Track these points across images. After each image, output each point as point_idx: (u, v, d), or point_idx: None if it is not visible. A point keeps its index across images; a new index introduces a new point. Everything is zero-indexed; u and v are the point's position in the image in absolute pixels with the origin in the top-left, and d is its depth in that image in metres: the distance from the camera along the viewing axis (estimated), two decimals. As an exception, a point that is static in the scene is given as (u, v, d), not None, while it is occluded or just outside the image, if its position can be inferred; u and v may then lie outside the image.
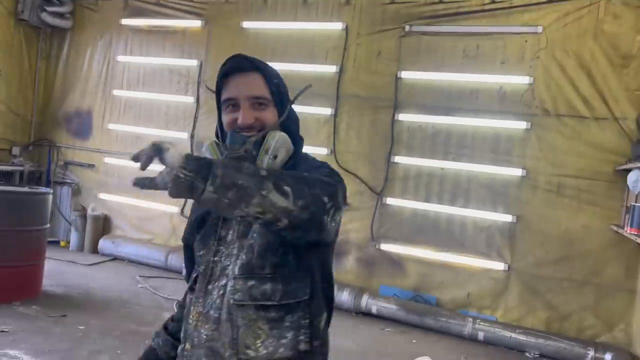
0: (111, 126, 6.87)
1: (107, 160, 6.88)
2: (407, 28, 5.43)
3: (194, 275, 1.47)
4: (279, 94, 1.45)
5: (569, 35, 4.90)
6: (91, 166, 6.99)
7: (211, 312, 1.37)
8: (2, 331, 3.93)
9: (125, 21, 6.77)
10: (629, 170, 4.26)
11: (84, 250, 6.69)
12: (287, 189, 1.13)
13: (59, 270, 5.58)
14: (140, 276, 5.82)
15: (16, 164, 6.74)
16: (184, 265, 1.63)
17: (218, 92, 1.47)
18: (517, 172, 5.04)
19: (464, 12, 5.24)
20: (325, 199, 1.21)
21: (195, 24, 6.37)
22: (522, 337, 4.77)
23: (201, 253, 1.46)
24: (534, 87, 5.00)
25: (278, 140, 1.38)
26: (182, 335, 1.47)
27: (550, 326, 4.91)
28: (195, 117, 6.41)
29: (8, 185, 5.35)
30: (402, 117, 5.46)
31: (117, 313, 4.66)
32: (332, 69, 5.68)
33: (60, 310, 4.52)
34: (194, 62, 6.41)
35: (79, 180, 7.06)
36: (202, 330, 1.37)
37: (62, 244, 6.94)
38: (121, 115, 6.83)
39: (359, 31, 5.66)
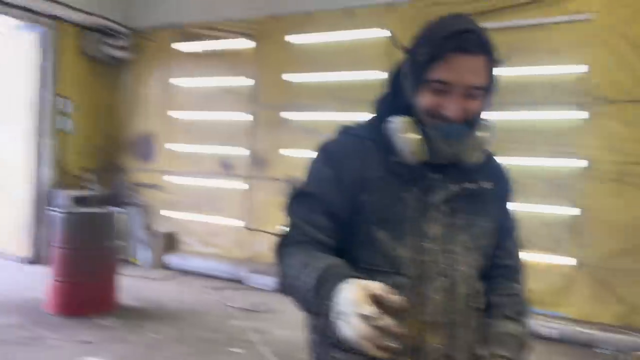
0: (172, 147, 7.21)
1: (171, 179, 7.22)
2: (453, 28, 5.43)
3: (380, 281, 1.01)
4: (495, 82, 1.25)
5: (623, 18, 4.75)
6: (156, 186, 7.35)
7: (438, 317, 1.27)
8: (87, 342, 4.21)
9: (179, 46, 7.13)
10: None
11: (154, 267, 7.03)
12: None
13: (131, 285, 5.89)
14: (208, 287, 6.05)
15: (91, 188, 7.19)
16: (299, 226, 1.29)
17: (425, 63, 1.20)
18: (579, 163, 4.92)
19: (509, 5, 5.20)
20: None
21: (246, 43, 6.62)
22: (594, 332, 4.62)
23: (399, 253, 1.25)
24: (589, 75, 4.88)
25: (490, 133, 1.29)
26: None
27: (624, 320, 4.72)
28: (254, 133, 6.63)
29: (86, 209, 5.73)
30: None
31: (189, 322, 4.88)
32: (380, 75, 5.76)
33: (135, 321, 4.78)
34: (247, 81, 6.65)
35: (146, 200, 7.44)
36: (432, 339, 1.26)
37: (133, 260, 7.31)
38: (181, 136, 7.16)
39: (407, 35, 5.66)
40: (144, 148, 7.47)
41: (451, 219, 1.28)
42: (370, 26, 5.87)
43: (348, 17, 6.02)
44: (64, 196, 6.68)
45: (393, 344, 0.90)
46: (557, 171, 5.03)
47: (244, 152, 6.67)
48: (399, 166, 1.27)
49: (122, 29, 7.30)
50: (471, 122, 1.23)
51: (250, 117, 6.63)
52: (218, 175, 6.87)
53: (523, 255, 1.50)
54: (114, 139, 7.67)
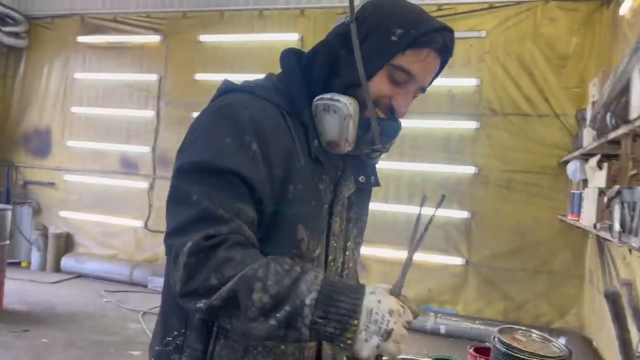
0: (70, 143, 6.84)
1: (68, 177, 6.84)
2: (359, 37, 5.63)
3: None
4: None
5: (510, 39, 5.19)
6: (51, 184, 6.93)
7: None
8: (-38, 348, 3.89)
9: (81, 38, 6.80)
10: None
11: (47, 270, 6.61)
12: None
13: (20, 289, 5.51)
14: (105, 291, 5.79)
15: (-27, 184, 6.64)
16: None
17: (397, 44, 1.05)
18: (470, 169, 5.27)
19: (412, 19, 5.47)
20: None
21: (154, 39, 6.46)
22: (482, 327, 4.96)
23: (316, 254, 1.11)
24: (480, 88, 5.27)
25: None
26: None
27: (508, 315, 5.11)
28: (157, 131, 6.46)
29: (-35, 205, 5.28)
30: (358, 122, 5.62)
31: (82, 325, 4.64)
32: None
33: (23, 325, 4.48)
34: (153, 77, 6.48)
35: (39, 199, 6.98)
36: (327, 348, 1.18)
37: (23, 264, 6.84)
38: (81, 132, 6.82)
39: (314, 40, 5.80)
40: (39, 143, 7.02)
41: (348, 213, 1.18)
42: (281, 30, 5.95)
43: (260, 20, 6.06)
44: (-58, 192, 6.12)
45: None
46: (450, 177, 5.36)
47: (148, 150, 6.47)
48: (321, 153, 1.10)
49: (16, 15, 6.83)
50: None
51: (155, 115, 6.45)
52: (119, 174, 6.61)
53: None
54: (4, 132, 7.14)
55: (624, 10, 4.15)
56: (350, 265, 1.20)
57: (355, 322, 0.87)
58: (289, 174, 1.04)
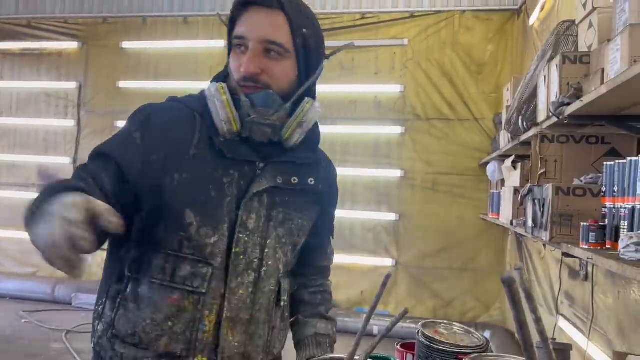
0: (-18, 156, 6.42)
1: (-20, 192, 6.40)
2: (286, 44, 5.67)
3: (188, 270, 1.14)
4: (306, 46, 1.18)
5: (431, 46, 5.41)
6: (-39, 200, 6.45)
7: (241, 314, 1.18)
8: None
9: (-7, 44, 6.42)
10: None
11: (-43, 292, 6.14)
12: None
13: None
14: (24, 311, 5.46)
15: None
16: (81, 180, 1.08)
17: (231, 22, 1.19)
18: (397, 173, 5.43)
19: (337, 27, 5.59)
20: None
21: (72, 45, 6.19)
22: (412, 326, 5.07)
23: (210, 240, 1.16)
24: (405, 94, 5.45)
25: (315, 114, 1.20)
26: (180, 344, 1.16)
27: (437, 313, 5.30)
28: (77, 141, 6.19)
29: None
30: (288, 128, 5.65)
31: (1, 349, 4.35)
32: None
33: None
34: (72, 85, 6.20)
35: (-53, 217, 6.49)
36: (232, 337, 1.17)
37: None
38: (-7, 144, 6.41)
39: (241, 48, 5.80)
40: (-55, 156, 6.52)
41: (270, 211, 1.20)
42: (207, 37, 5.87)
43: (185, 27, 5.96)
44: None
45: (75, 258, 0.81)
46: (378, 180, 5.50)
47: (68, 161, 6.18)
48: (222, 144, 1.16)
49: None
50: (285, 95, 1.17)
51: (75, 124, 6.18)
52: (36, 187, 6.26)
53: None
54: None
55: (532, 20, 4.44)
56: (270, 263, 1.21)
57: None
58: (173, 163, 1.13)
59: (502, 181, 4.29)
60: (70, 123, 6.19)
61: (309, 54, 1.19)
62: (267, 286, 1.22)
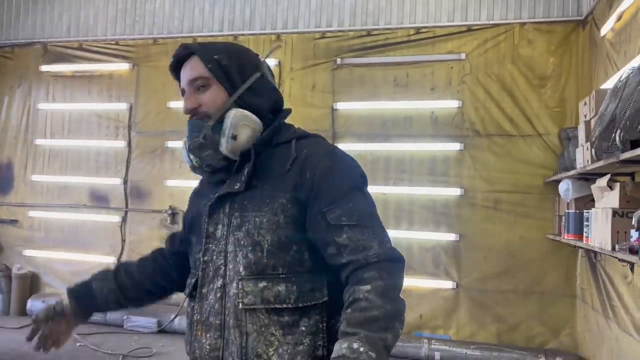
0: (35, 177, 6.47)
1: (32, 214, 6.44)
2: (338, 61, 5.59)
3: (191, 280, 1.39)
4: (221, 68, 1.33)
5: (490, 60, 5.23)
6: (14, 222, 6.51)
7: (211, 318, 1.26)
8: None
9: (45, 67, 6.49)
10: (557, 182, 4.54)
11: (10, 313, 6.16)
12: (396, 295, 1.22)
13: (-16, 337, 5.08)
14: (77, 334, 5.41)
15: None
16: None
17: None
18: (456, 191, 5.23)
19: (391, 43, 5.47)
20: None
21: (123, 66, 6.22)
22: (476, 353, 4.86)
23: (198, 254, 1.36)
24: (462, 110, 5.27)
25: (233, 119, 1.29)
26: (186, 346, 1.38)
27: (501, 338, 5.04)
28: (128, 162, 6.18)
29: None
30: (340, 146, 5.49)
31: (57, 376, 4.29)
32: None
33: (-8, 379, 4.10)
34: (123, 106, 6.22)
35: (0, 238, 6.54)
36: (204, 340, 1.27)
37: (-16, 309, 6.35)
38: (46, 166, 6.46)
39: (292, 66, 5.75)
40: (0, 179, 6.60)
41: (230, 219, 1.29)
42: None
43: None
44: None
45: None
46: (436, 199, 5.31)
47: (119, 182, 6.17)
48: (203, 172, 1.41)
49: (-26, 45, 6.48)
50: (209, 115, 1.33)
51: (126, 145, 6.18)
52: (88, 208, 6.27)
53: (372, 243, 1.25)
54: (-39, 168, 6.70)
55: (604, 30, 4.23)
56: (231, 267, 1.26)
57: None
58: (190, 205, 1.52)
59: (576, 200, 4.07)
60: (121, 144, 6.20)
61: (229, 72, 1.33)
62: (232, 290, 1.25)
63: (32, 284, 6.34)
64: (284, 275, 1.23)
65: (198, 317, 1.29)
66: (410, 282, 5.26)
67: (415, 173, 5.36)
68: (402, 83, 5.45)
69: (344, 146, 5.49)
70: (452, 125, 5.30)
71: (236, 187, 1.29)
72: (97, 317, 5.76)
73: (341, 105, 5.58)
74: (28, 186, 6.50)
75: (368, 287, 1.16)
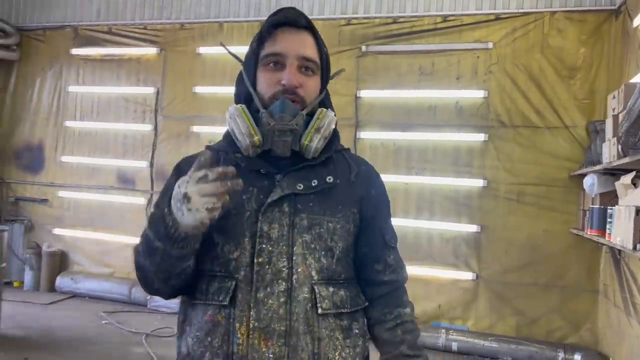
0: (65, 158, 6.64)
1: (62, 194, 6.63)
2: (363, 48, 5.55)
3: (216, 286, 1.20)
4: (327, 63, 1.31)
5: (518, 50, 5.13)
6: (44, 201, 6.71)
7: (273, 325, 1.16)
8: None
9: (75, 51, 6.62)
10: (582, 176, 4.46)
11: (40, 289, 6.38)
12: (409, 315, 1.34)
13: (15, 312, 5.28)
14: (103, 312, 5.59)
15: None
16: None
17: (258, 45, 1.27)
18: (478, 182, 5.18)
19: (417, 31, 5.41)
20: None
21: (151, 51, 6.30)
22: (494, 345, 4.85)
23: (233, 255, 1.21)
24: (488, 100, 5.20)
25: (331, 120, 1.25)
26: (209, 357, 1.19)
27: (520, 331, 5.01)
28: (154, 145, 6.29)
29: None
30: (363, 135, 5.54)
31: (82, 352, 4.44)
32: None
33: (20, 353, 4.27)
34: (150, 90, 6.31)
35: (31, 217, 6.76)
36: (265, 349, 1.15)
37: (15, 284, 6.59)
38: (75, 147, 6.62)
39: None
40: (31, 159, 6.80)
41: (293, 218, 1.21)
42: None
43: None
44: None
45: (230, 183, 1.02)
46: (459, 190, 5.27)
47: (145, 165, 6.29)
48: (242, 160, 1.25)
49: (7, 27, 6.63)
50: (306, 105, 1.24)
51: (153, 129, 6.28)
52: (115, 190, 6.41)
53: (404, 268, 1.41)
54: (-5, 148, 6.92)
55: (638, 22, 4.10)
56: (300, 270, 1.19)
57: (166, 209, 1.09)
58: None
59: (601, 195, 4.00)
60: (147, 127, 6.31)
61: (328, 71, 1.31)
62: (301, 294, 1.18)
63: (61, 261, 6.54)
64: (342, 281, 1.27)
65: (256, 324, 1.15)
66: (429, 272, 5.26)
67: (438, 163, 5.33)
68: (427, 72, 5.39)
69: (366, 134, 5.51)
70: (477, 115, 5.23)
71: (314, 183, 1.24)
72: (121, 296, 5.93)
73: (365, 93, 5.56)
74: (58, 167, 6.67)
75: (408, 310, 1.35)
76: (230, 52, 1.41)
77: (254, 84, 1.27)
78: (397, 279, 1.35)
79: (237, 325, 1.16)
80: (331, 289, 1.22)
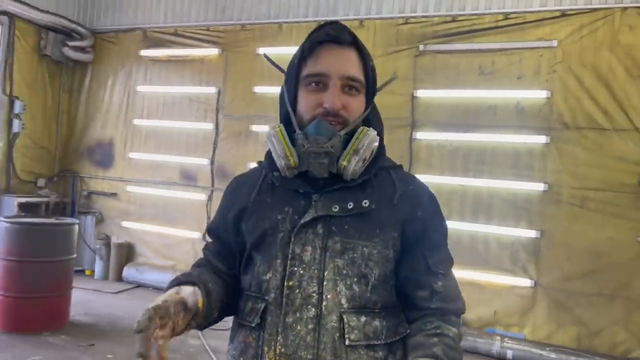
0: (132, 155, 6.99)
1: (129, 188, 6.99)
2: (421, 47, 5.47)
3: (254, 305, 1.19)
4: (373, 80, 1.23)
5: (585, 48, 4.89)
6: (114, 195, 7.10)
7: (300, 352, 1.10)
8: (32, 361, 3.98)
9: (144, 52, 6.94)
10: (654, 181, 4.21)
11: (109, 279, 6.76)
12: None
13: (85, 299, 5.64)
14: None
15: (42, 195, 6.88)
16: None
17: (300, 63, 1.21)
18: (539, 186, 5.00)
19: (477, 29, 5.27)
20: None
21: (213, 51, 6.50)
22: (552, 355, 4.67)
23: (266, 277, 1.18)
24: (551, 100, 4.99)
25: (371, 141, 1.18)
26: None
27: (581, 343, 4.81)
28: (215, 143, 6.50)
29: (35, 217, 5.46)
30: (419, 135, 5.47)
31: (144, 340, 4.67)
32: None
33: (88, 339, 4.56)
34: (212, 90, 6.52)
35: (102, 210, 7.17)
36: None
37: (87, 272, 7.03)
38: (142, 144, 6.95)
39: (374, 52, 5.65)
40: (103, 155, 7.21)
41: (325, 241, 1.15)
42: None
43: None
44: (10, 203, 6.34)
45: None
46: (518, 193, 5.10)
47: (206, 162, 6.52)
48: (279, 181, 1.23)
49: (83, 30, 7.04)
50: (347, 123, 1.19)
51: (214, 127, 6.49)
52: (178, 186, 6.69)
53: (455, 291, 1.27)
54: (70, 144, 7.38)
55: None
56: (329, 296, 1.13)
57: None
58: (242, 213, 1.26)
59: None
60: (209, 126, 6.52)
61: (374, 85, 1.23)
62: (329, 322, 1.12)
63: (128, 253, 6.91)
64: (378, 310, 1.17)
65: (282, 349, 1.11)
66: (485, 277, 5.14)
67: (496, 165, 5.18)
68: (487, 71, 5.24)
69: (423, 134, 5.44)
70: (539, 116, 5.04)
71: (349, 206, 1.17)
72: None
73: (422, 93, 5.48)
74: (126, 162, 7.04)
75: (455, 330, 1.18)
76: (273, 64, 1.37)
77: (294, 103, 1.22)
78: (449, 308, 1.20)
79: (266, 349, 1.13)
80: (363, 319, 1.14)
